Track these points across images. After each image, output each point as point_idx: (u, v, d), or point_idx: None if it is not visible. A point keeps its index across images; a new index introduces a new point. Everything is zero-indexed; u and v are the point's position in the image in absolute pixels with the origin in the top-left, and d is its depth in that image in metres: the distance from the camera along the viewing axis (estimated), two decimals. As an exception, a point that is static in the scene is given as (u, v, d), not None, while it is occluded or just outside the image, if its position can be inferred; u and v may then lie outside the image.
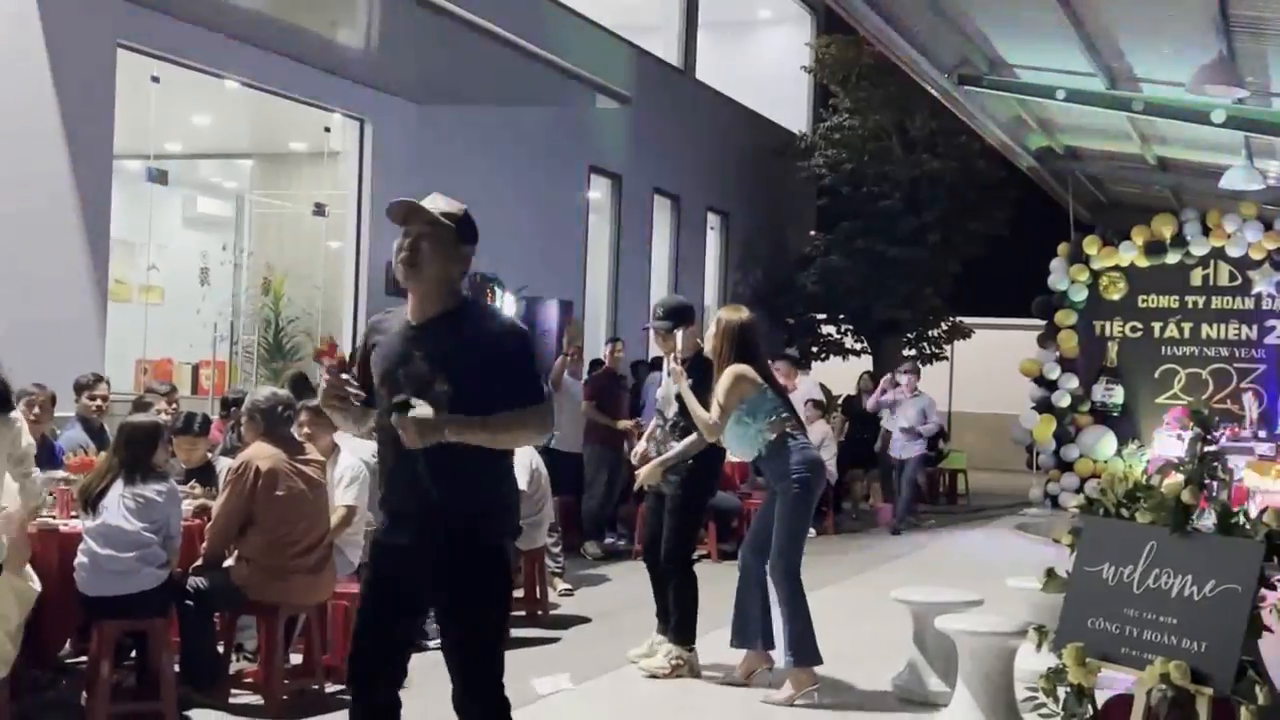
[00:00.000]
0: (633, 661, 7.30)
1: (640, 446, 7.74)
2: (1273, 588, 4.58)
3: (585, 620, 8.74)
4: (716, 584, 10.55)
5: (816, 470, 6.75)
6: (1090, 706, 4.76)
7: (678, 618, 7.22)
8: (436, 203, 4.07)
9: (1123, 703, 4.75)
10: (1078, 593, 4.95)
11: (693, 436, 7.09)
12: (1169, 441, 12.19)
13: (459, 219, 4.07)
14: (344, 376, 4.03)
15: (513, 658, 7.41)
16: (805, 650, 6.55)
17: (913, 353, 20.64)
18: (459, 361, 3.94)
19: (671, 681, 7.04)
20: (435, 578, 4.01)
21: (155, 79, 10.43)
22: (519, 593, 8.85)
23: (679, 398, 7.14)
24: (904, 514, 14.55)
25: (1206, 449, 4.77)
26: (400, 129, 12.83)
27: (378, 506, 4.20)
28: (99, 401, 8.26)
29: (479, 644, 4.08)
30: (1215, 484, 4.74)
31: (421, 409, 3.82)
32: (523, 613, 8.62)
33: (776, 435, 6.64)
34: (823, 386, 16.01)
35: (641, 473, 7.27)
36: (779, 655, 6.68)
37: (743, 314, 7.00)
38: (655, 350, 8.84)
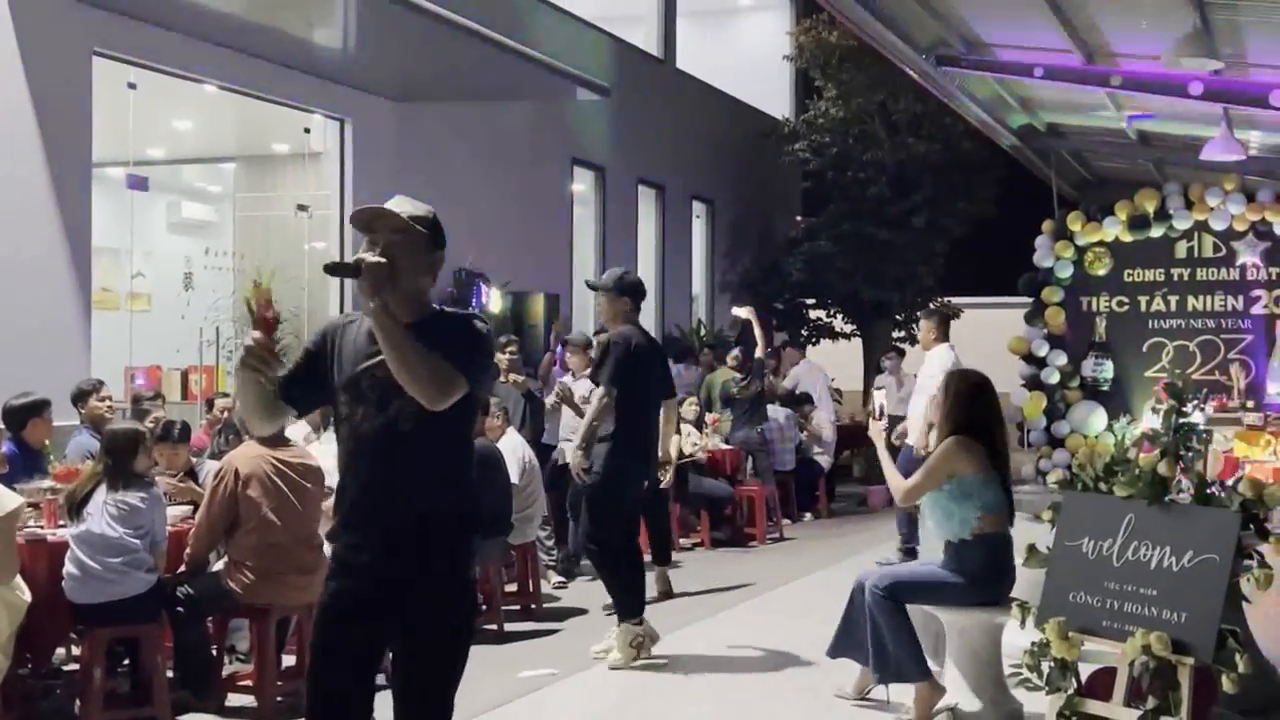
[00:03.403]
0: (596, 658, 7.32)
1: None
2: (1250, 556, 4.62)
3: (580, 612, 8.76)
4: (707, 571, 10.63)
5: (1004, 577, 5.84)
6: (1074, 679, 4.80)
7: (618, 599, 7.34)
8: (403, 205, 3.73)
9: (1106, 675, 4.79)
10: (1058, 567, 4.99)
11: (597, 404, 7.23)
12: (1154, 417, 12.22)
13: (430, 222, 3.74)
14: (273, 339, 3.72)
15: (505, 651, 7.55)
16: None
17: (902, 334, 20.67)
18: None
19: (665, 671, 7.06)
20: (403, 598, 3.64)
21: (132, 85, 10.43)
22: (512, 586, 8.90)
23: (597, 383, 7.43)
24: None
25: (1181, 420, 4.80)
26: (380, 128, 12.83)
27: (338, 521, 3.78)
28: (107, 403, 8.27)
29: (443, 679, 3.69)
30: (1190, 455, 4.76)
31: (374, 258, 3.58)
32: (516, 606, 8.66)
33: (981, 533, 5.79)
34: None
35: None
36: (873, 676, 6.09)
37: (978, 377, 6.16)
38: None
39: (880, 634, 5.86)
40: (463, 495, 3.76)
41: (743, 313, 13.20)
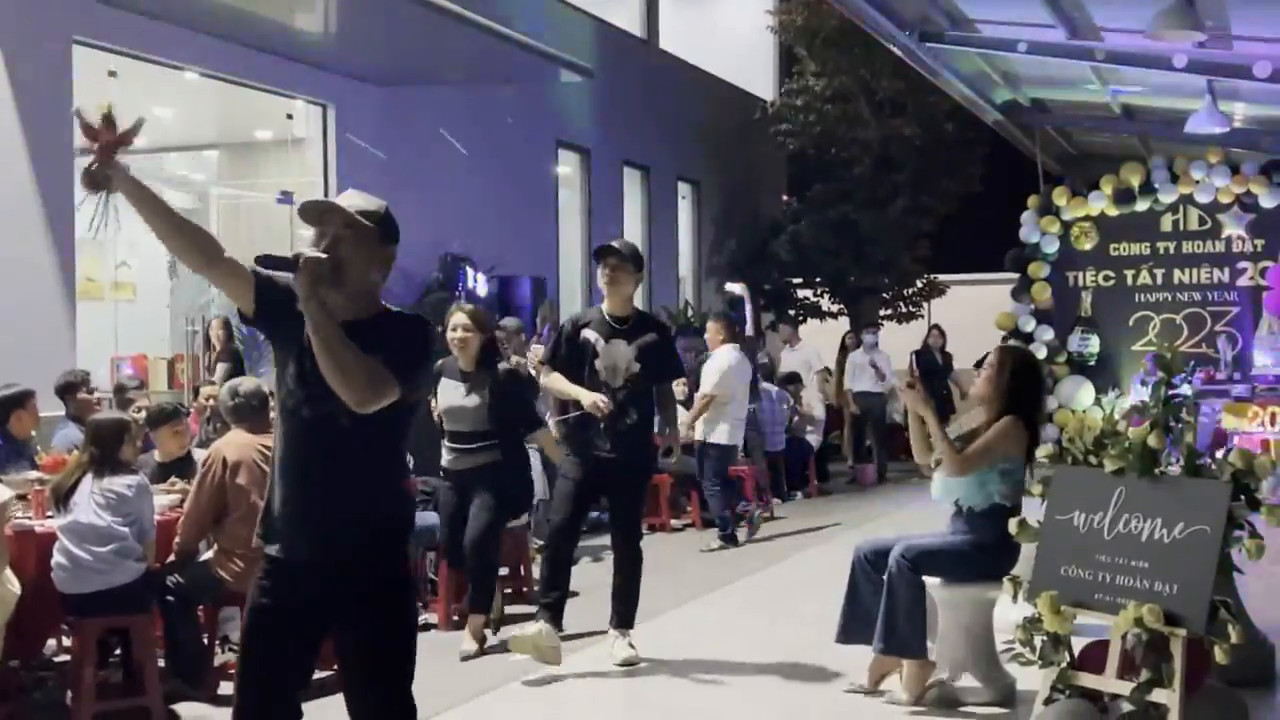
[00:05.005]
0: (511, 640, 6.82)
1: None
2: (1241, 527, 4.62)
3: (570, 595, 8.72)
4: (703, 553, 10.65)
5: (1016, 547, 5.75)
6: (1067, 653, 4.80)
7: (633, 604, 6.88)
8: (353, 200, 3.63)
9: (1099, 648, 4.79)
10: (1050, 541, 4.99)
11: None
12: (1142, 391, 12.25)
13: (381, 217, 3.62)
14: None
15: (498, 634, 7.50)
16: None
17: (889, 312, 20.70)
18: None
19: (658, 652, 7.01)
20: (344, 604, 3.57)
21: (113, 73, 10.37)
22: (503, 570, 8.88)
23: (643, 358, 6.69)
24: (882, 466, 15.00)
25: (1170, 392, 4.80)
26: (363, 113, 12.78)
27: (269, 520, 3.66)
28: (95, 395, 8.26)
29: (402, 682, 3.66)
30: (1180, 426, 4.76)
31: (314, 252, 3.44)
32: (509, 590, 8.64)
33: (1009, 505, 5.76)
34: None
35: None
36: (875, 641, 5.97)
37: (1032, 357, 6.29)
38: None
39: (895, 605, 5.78)
40: (398, 497, 3.72)
41: (737, 289, 13.26)
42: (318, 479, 3.55)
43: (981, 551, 5.78)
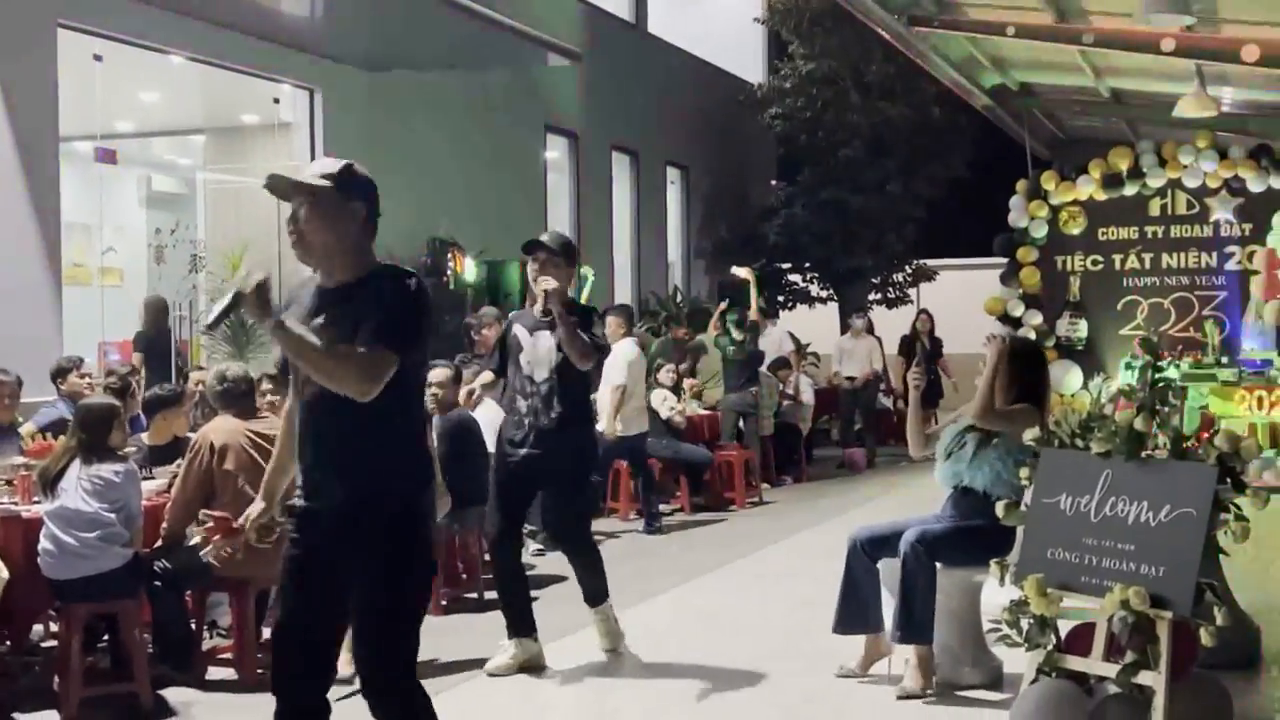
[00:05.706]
0: (491, 674, 6.44)
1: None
2: (1226, 510, 4.63)
3: (559, 579, 8.73)
4: (687, 536, 10.66)
5: (1011, 543, 5.69)
6: (1053, 636, 4.82)
7: (602, 578, 6.74)
8: (314, 166, 3.71)
9: (1085, 630, 4.81)
10: (1036, 524, 5.00)
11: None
12: (1129, 374, 12.27)
13: (336, 175, 3.65)
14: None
15: (485, 619, 7.52)
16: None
17: (877, 297, 20.70)
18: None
19: (645, 637, 7.01)
20: (346, 544, 3.66)
21: (98, 57, 10.32)
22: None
23: (561, 353, 6.37)
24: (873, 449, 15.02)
25: (1157, 375, 4.81)
26: (350, 97, 12.73)
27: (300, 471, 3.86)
28: (87, 380, 8.23)
29: (389, 616, 3.72)
30: (1166, 410, 4.76)
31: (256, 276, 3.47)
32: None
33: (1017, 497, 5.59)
34: (791, 335, 16.14)
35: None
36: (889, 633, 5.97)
37: (1036, 346, 6.29)
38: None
39: (912, 594, 5.74)
40: (415, 460, 3.78)
41: (742, 273, 13.22)
42: (331, 454, 3.67)
43: (993, 533, 5.72)
